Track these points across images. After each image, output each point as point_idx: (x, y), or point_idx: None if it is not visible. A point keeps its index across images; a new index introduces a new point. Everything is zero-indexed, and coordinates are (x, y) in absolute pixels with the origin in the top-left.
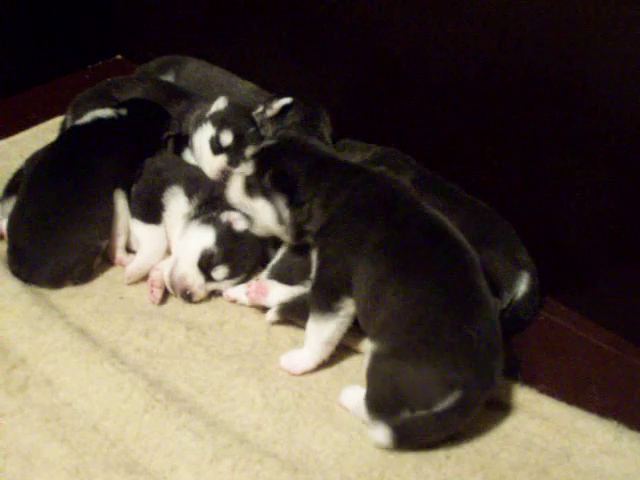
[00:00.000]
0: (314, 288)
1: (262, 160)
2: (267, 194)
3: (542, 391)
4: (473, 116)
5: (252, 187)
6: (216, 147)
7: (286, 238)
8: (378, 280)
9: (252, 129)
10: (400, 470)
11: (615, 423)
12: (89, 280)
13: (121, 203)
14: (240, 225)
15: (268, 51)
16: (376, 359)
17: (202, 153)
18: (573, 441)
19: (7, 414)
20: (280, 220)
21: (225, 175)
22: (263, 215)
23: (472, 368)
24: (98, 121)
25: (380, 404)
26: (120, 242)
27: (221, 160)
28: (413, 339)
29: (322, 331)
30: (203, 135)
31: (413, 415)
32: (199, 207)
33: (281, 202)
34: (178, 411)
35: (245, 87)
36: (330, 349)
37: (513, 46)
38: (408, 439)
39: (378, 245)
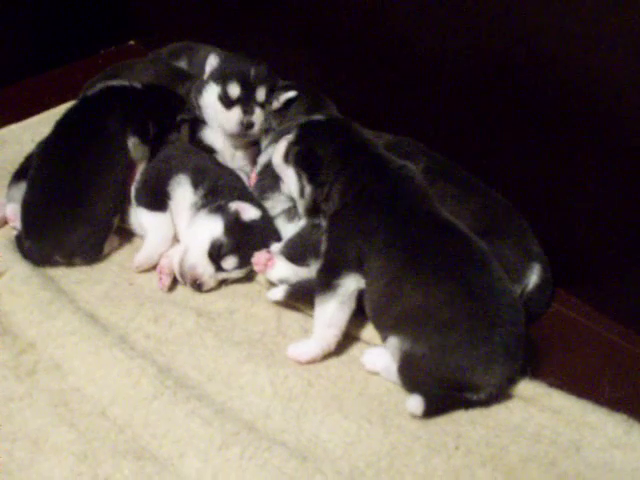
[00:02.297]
0: (318, 269)
1: (301, 133)
2: (295, 166)
3: (552, 384)
4: (487, 105)
5: (289, 154)
6: (227, 102)
7: (301, 211)
8: (393, 277)
9: (253, 70)
10: (409, 461)
11: (625, 416)
12: (98, 259)
13: (139, 150)
14: (248, 215)
15: (280, 38)
16: (412, 358)
17: (216, 113)
18: (583, 434)
19: (16, 398)
20: (302, 193)
21: (246, 126)
22: (290, 183)
23: (505, 361)
24: (108, 88)
25: (423, 387)
26: None
27: (236, 112)
28: (449, 340)
29: (324, 312)
30: (210, 96)
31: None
32: (205, 196)
33: (305, 177)
34: (187, 398)
35: None
36: (335, 334)
37: (528, 34)
38: (437, 411)
39: (389, 242)
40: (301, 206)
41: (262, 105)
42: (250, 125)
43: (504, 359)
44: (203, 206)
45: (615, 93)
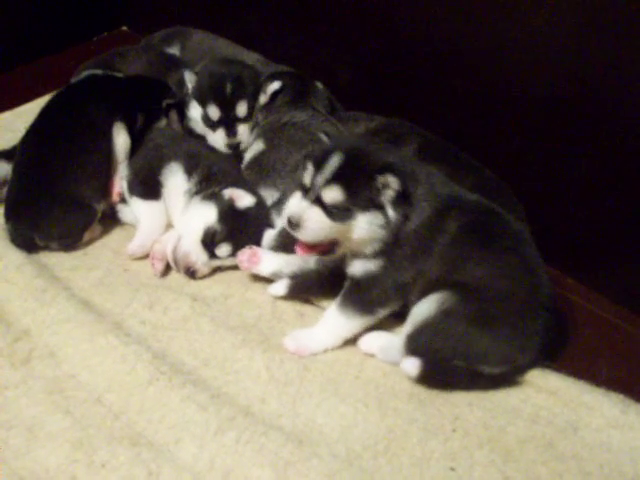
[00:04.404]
0: (363, 291)
1: (352, 179)
2: (374, 206)
3: (549, 365)
4: (483, 85)
5: (343, 209)
6: (209, 123)
7: (380, 247)
8: (458, 256)
9: (229, 86)
10: (406, 443)
11: (622, 397)
12: (77, 245)
13: (122, 137)
14: (242, 202)
15: (274, 22)
16: (449, 315)
17: (204, 132)
18: (580, 415)
19: (11, 386)
20: (387, 225)
21: (234, 146)
22: (368, 229)
23: (533, 350)
24: (91, 76)
25: (432, 350)
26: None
27: (220, 135)
28: (497, 312)
29: (349, 329)
30: (195, 114)
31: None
32: (199, 183)
33: (399, 211)
34: (182, 383)
35: (251, 58)
36: (342, 342)
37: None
38: (435, 378)
39: (455, 233)
40: (382, 240)
41: (246, 118)
42: (236, 146)
43: (539, 344)
44: (197, 193)
45: (614, 81)
